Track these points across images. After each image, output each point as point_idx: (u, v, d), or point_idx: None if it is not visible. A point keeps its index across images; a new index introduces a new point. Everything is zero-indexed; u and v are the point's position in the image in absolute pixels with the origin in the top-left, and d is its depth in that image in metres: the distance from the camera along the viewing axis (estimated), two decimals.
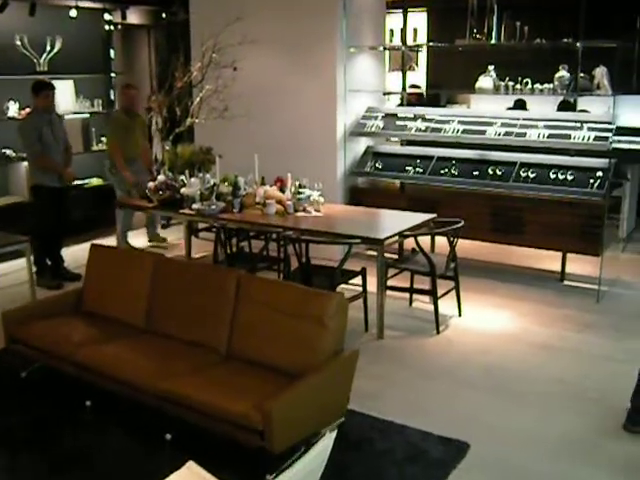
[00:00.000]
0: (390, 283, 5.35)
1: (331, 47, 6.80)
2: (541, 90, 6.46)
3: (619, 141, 6.03)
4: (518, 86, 6.61)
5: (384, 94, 6.68)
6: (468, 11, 6.62)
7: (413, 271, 5.37)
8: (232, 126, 6.81)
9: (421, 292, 5.37)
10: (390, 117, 7.05)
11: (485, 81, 6.64)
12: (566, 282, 6.40)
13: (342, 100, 6.87)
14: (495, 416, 4.05)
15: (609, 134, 5.83)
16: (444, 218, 5.53)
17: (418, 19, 10.28)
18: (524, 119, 6.34)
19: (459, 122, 6.61)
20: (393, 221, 5.56)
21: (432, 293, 5.20)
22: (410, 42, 9.30)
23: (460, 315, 5.56)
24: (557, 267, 6.38)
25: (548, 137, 6.08)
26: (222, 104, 6.65)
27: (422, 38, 10.09)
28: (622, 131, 6.05)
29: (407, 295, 5.68)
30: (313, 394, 3.53)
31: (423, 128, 6.73)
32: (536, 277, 6.50)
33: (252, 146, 6.70)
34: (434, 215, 5.58)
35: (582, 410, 4.10)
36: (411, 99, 8.70)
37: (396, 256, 5.96)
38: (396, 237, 5.19)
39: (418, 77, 10.20)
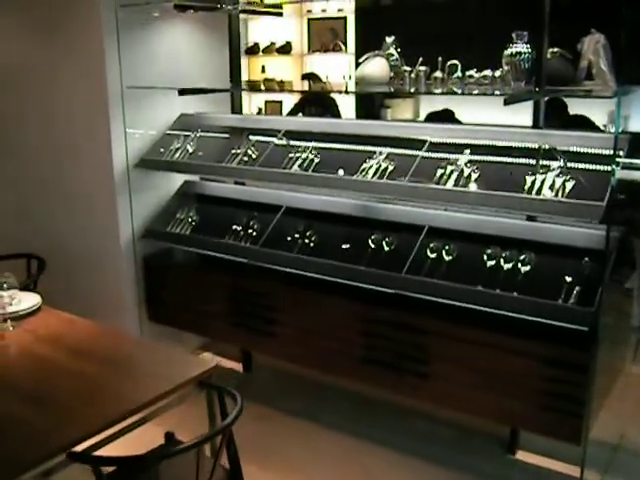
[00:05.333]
0: None
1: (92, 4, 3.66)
2: (480, 81, 3.27)
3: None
4: (438, 74, 3.42)
5: (181, 92, 3.52)
6: None
7: None
8: None
9: None
10: (229, 131, 3.90)
11: (370, 65, 3.46)
12: (520, 455, 3.29)
13: (117, 103, 3.73)
14: None
15: (610, 178, 2.65)
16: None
17: None
18: (445, 144, 3.16)
19: (322, 146, 3.44)
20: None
21: None
22: None
23: None
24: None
25: (479, 182, 2.90)
26: None
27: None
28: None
29: None
30: None
31: (253, 156, 3.56)
32: (456, 439, 3.39)
33: None
34: (211, 366, 2.50)
35: None
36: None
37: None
38: None
39: (344, 63, 6.98)
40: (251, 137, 3.68)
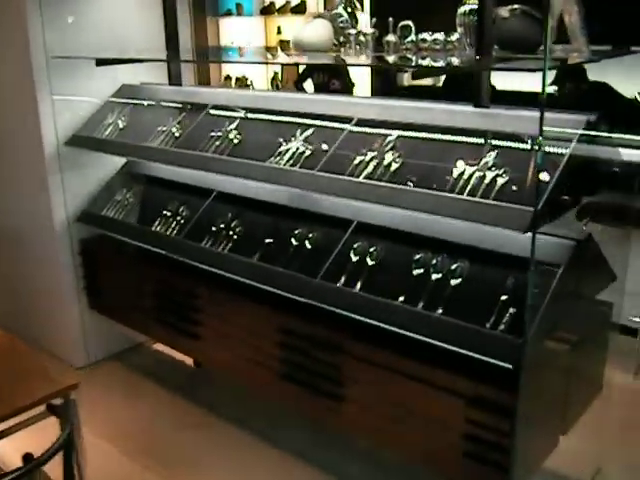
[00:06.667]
0: None
1: None
2: (431, 45, 2.70)
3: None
4: (391, 38, 2.87)
5: (98, 63, 3.06)
6: None
7: None
8: None
9: None
10: (164, 105, 3.45)
11: (309, 29, 2.94)
12: None
13: (43, 75, 3.35)
14: None
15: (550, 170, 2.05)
16: None
17: None
18: (373, 123, 2.61)
19: (249, 121, 2.96)
20: None
21: None
22: None
23: None
24: None
25: (398, 173, 2.35)
26: None
27: None
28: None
29: None
30: None
31: (177, 134, 3.12)
32: (401, 466, 2.88)
33: None
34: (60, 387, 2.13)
35: None
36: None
37: None
38: None
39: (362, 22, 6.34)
40: (182, 113, 3.23)
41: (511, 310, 2.17)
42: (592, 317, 2.52)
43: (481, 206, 2.03)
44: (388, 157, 2.36)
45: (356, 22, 3.10)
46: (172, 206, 3.25)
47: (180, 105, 3.30)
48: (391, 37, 2.88)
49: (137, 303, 3.35)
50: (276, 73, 6.88)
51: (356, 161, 2.43)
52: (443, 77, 5.88)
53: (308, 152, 2.58)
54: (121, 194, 3.52)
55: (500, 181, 2.11)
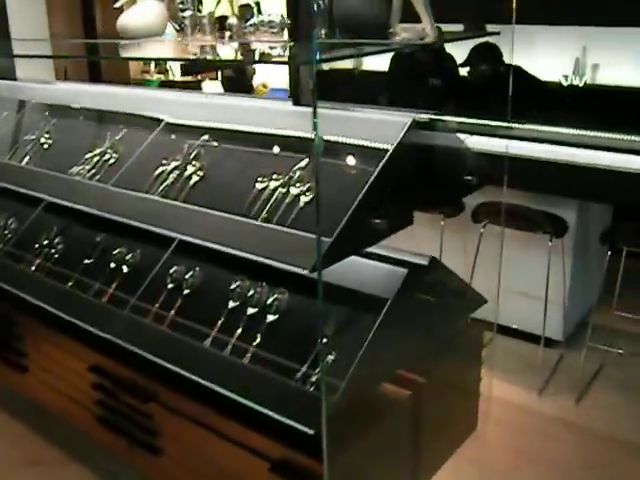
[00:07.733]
0: None
1: None
2: (266, 29, 2.29)
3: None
4: (232, 20, 2.49)
5: None
6: None
7: None
8: None
9: None
10: None
11: (135, 13, 2.51)
12: None
13: None
14: None
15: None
16: None
17: None
18: (184, 125, 2.19)
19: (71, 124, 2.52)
20: None
21: None
22: None
23: None
24: None
25: (196, 189, 1.94)
26: None
27: None
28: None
29: None
30: None
31: None
32: None
33: None
34: None
35: None
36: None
37: None
38: None
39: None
40: (4, 112, 2.79)
41: (331, 357, 1.77)
42: (451, 350, 2.13)
43: (268, 234, 1.62)
44: (190, 168, 1.94)
45: (199, 3, 2.68)
46: (1, 218, 2.82)
47: (7, 103, 2.85)
48: (232, 20, 2.50)
49: None
50: (195, 53, 6.39)
51: (157, 171, 2.01)
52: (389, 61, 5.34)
53: (112, 160, 2.15)
54: None
55: (303, 199, 1.70)
